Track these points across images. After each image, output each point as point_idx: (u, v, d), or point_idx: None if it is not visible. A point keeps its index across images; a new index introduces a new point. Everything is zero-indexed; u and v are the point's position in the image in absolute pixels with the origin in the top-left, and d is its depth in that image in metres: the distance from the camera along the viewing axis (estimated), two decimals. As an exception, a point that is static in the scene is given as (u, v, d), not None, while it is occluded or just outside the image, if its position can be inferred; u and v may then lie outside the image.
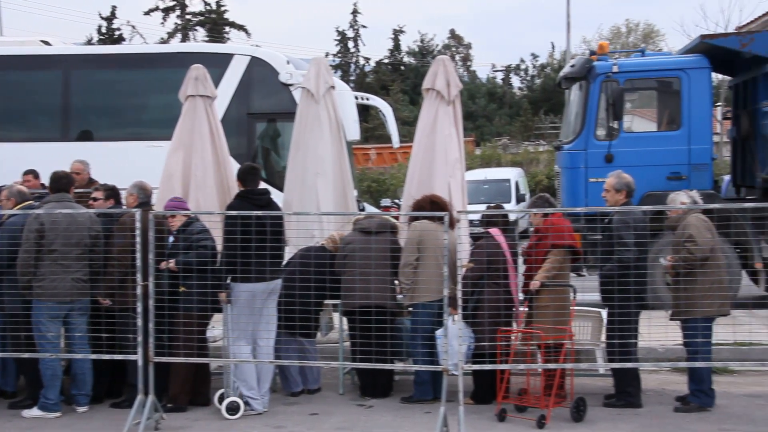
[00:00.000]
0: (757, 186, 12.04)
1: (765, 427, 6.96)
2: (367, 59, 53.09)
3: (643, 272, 7.68)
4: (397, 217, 8.81)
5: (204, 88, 9.11)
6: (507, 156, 34.37)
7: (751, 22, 26.69)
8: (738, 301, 10.94)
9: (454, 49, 58.35)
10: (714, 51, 11.87)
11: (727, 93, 18.63)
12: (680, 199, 7.82)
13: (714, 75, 15.52)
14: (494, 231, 7.93)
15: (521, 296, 7.96)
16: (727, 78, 15.30)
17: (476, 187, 21.02)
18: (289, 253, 8.60)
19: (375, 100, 14.31)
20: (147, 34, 52.17)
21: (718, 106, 22.80)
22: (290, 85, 11.61)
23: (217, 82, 10.40)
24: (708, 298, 7.36)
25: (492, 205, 8.91)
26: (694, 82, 11.71)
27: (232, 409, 7.57)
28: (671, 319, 7.69)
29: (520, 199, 22.79)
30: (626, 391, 7.71)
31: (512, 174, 24.19)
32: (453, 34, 58.99)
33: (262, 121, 12.28)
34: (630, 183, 7.94)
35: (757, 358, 8.71)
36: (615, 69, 11.81)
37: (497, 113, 49.55)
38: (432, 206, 7.93)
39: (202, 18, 53.00)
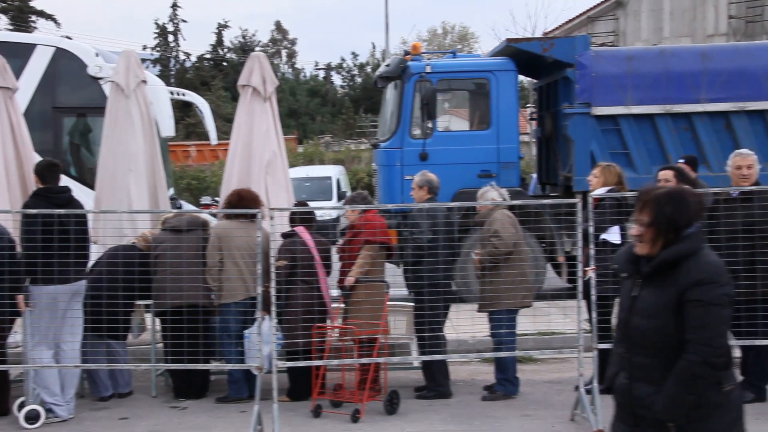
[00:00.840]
0: (559, 183, 12.76)
1: (562, 410, 7.37)
2: (188, 54, 51.83)
3: (450, 266, 7.97)
4: (215, 215, 8.69)
5: (2, 79, 8.62)
6: (329, 154, 34.60)
7: (557, 28, 28.31)
8: (542, 292, 11.57)
9: (279, 43, 58.04)
10: (520, 54, 12.45)
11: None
12: (491, 195, 8.13)
13: (524, 77, 16.32)
14: (300, 229, 7.97)
15: (337, 292, 8.05)
16: (534, 80, 16.07)
17: (298, 185, 20.95)
18: (98, 252, 8.29)
19: (191, 96, 14.00)
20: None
21: (528, 107, 23.95)
22: (100, 78, 11.16)
23: (18, 73, 9.86)
24: (512, 290, 7.72)
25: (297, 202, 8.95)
26: (501, 84, 12.23)
27: (32, 417, 7.20)
28: (478, 311, 8.01)
29: (341, 196, 23.00)
30: (436, 382, 7.97)
31: (334, 172, 24.39)
32: (279, 27, 58.66)
33: (70, 115, 11.73)
34: (432, 180, 8.18)
35: (558, 347, 9.23)
36: (428, 69, 12.14)
37: (320, 111, 49.79)
38: (228, 204, 7.92)
39: (4, 5, 49.79)
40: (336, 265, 8.20)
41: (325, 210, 14.46)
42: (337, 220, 19.32)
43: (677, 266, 3.56)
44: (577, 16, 28.15)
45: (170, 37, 51.59)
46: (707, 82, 11.84)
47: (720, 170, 9.58)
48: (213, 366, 8.13)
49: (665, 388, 3.53)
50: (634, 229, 3.67)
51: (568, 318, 9.75)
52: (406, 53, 12.61)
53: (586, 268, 7.24)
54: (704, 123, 11.90)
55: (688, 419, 3.55)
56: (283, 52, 58.95)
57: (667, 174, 7.59)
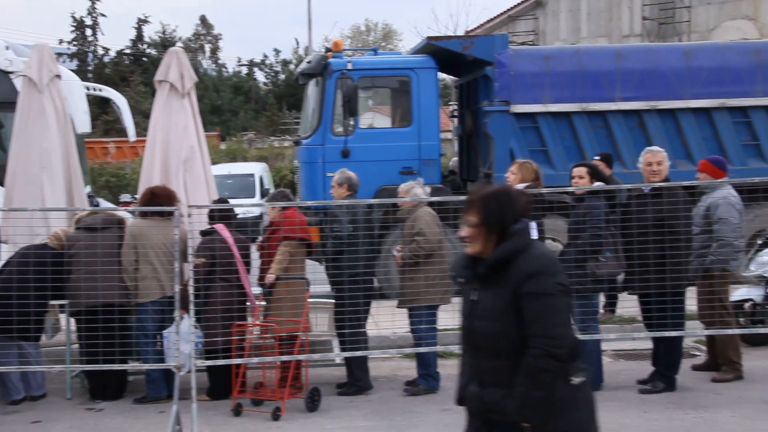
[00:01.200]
0: (479, 180, 12.91)
1: (481, 403, 7.46)
2: (106, 49, 50.68)
3: (371, 262, 8.00)
4: (133, 212, 8.55)
5: None
6: (253, 151, 34.28)
7: (478, 27, 28.63)
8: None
9: (203, 38, 57.18)
10: (440, 52, 12.56)
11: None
12: (417, 191, 8.15)
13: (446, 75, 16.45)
14: (219, 226, 7.90)
15: (258, 290, 8.01)
16: (455, 78, 16.22)
17: (221, 182, 20.68)
18: (9, 252, 8.07)
19: (108, 92, 13.70)
20: None
21: (451, 104, 24.17)
22: (10, 72, 10.84)
23: None
24: (432, 286, 7.78)
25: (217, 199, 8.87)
26: (422, 81, 12.30)
27: (-60, 423, 6.98)
28: (398, 307, 8.06)
29: (264, 194, 22.86)
30: (355, 377, 7.99)
31: (257, 169, 24.21)
32: (204, 21, 57.72)
33: (-23, 110, 11.38)
34: (351, 178, 8.22)
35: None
36: (349, 66, 12.14)
37: (243, 108, 49.31)
38: (142, 202, 7.82)
39: None
40: (257, 262, 8.15)
41: (247, 207, 14.33)
42: (260, 217, 19.19)
43: (509, 264, 3.52)
44: (498, 15, 28.51)
45: (88, 31, 50.37)
46: (621, 82, 12.14)
47: (634, 167, 9.82)
48: (130, 366, 8.00)
49: (514, 389, 3.46)
50: (462, 230, 3.63)
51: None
52: (328, 50, 12.59)
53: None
54: (618, 121, 12.20)
55: (541, 418, 3.48)
56: (207, 47, 58.12)
57: (580, 171, 7.77)
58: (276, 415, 7.25)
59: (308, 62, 12.82)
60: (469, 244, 3.62)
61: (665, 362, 7.69)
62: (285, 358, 7.46)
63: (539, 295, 3.46)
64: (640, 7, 26.09)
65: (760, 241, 9.26)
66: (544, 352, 3.43)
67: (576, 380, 3.54)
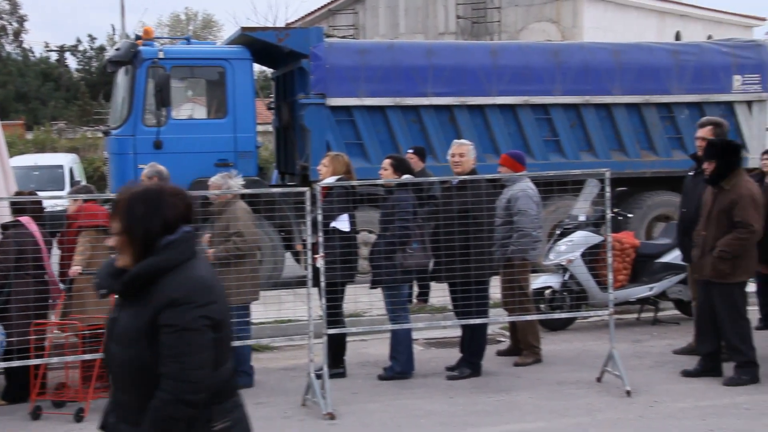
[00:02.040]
0: (296, 173, 12.93)
1: (295, 396, 7.45)
2: None
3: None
4: None
5: None
6: (63, 141, 32.66)
7: (299, 19, 28.65)
8: (280, 280, 11.70)
9: (6, 17, 53.76)
10: (256, 43, 12.45)
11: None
12: (230, 183, 7.98)
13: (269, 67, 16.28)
14: (25, 219, 7.49)
15: (62, 286, 7.66)
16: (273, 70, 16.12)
17: (26, 174, 19.62)
18: None
19: None
20: None
21: (271, 96, 24.02)
22: None
23: None
24: (243, 286, 7.63)
25: (26, 191, 8.42)
26: (237, 72, 12.13)
27: None
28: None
29: (74, 185, 21.84)
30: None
31: (66, 160, 23.06)
32: (8, -2, 54.15)
33: None
34: (161, 171, 8.07)
35: (295, 333, 9.34)
36: (161, 55, 11.79)
37: (53, 96, 46.82)
38: None
39: None
40: (56, 257, 7.79)
41: (52, 201, 13.63)
42: (65, 210, 18.30)
43: (153, 283, 2.94)
44: (318, 9, 28.67)
45: None
46: (433, 77, 12.50)
47: (445, 160, 10.16)
48: None
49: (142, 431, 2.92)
50: (110, 239, 3.07)
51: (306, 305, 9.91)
52: (138, 37, 12.19)
53: (316, 256, 7.39)
54: (431, 116, 12.55)
55: None
56: (9, 29, 54.65)
57: (384, 163, 7.95)
58: (79, 417, 6.95)
59: (117, 49, 12.37)
60: (118, 255, 3.03)
61: (471, 349, 7.98)
62: (88, 356, 7.15)
63: (179, 329, 2.89)
64: (454, 6, 26.97)
65: (558, 232, 9.79)
66: (175, 398, 2.88)
67: (219, 427, 3.03)
